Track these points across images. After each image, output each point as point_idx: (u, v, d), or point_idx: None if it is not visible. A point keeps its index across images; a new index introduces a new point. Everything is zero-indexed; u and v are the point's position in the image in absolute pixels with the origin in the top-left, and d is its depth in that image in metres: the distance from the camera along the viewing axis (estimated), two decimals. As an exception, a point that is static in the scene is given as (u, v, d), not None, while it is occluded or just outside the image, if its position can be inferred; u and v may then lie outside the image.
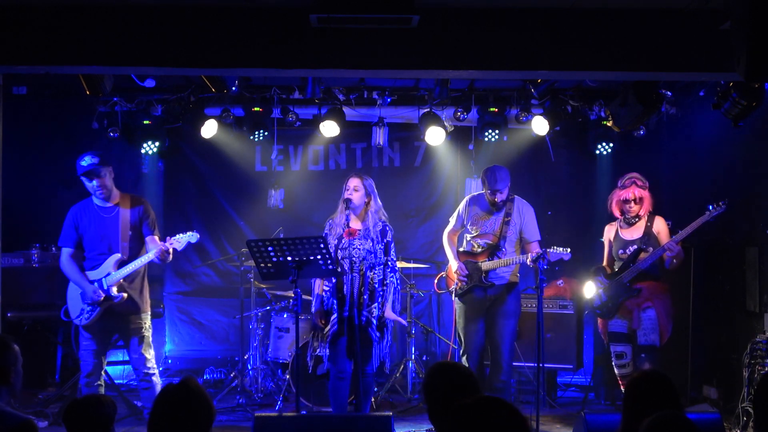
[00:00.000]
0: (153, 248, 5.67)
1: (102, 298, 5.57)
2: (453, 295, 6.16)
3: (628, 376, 6.00)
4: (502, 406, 2.40)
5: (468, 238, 6.14)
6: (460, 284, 6.02)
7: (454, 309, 6.36)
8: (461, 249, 6.20)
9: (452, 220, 6.26)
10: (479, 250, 6.06)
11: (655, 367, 5.91)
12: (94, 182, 5.66)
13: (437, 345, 7.94)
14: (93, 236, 5.71)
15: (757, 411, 3.11)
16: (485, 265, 5.97)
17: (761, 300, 6.14)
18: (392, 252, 5.67)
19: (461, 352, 6.05)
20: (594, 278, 6.24)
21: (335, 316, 5.49)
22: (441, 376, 3.24)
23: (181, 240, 5.73)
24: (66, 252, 5.72)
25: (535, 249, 6.00)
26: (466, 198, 6.29)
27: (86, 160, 5.63)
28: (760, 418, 3.03)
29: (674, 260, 5.95)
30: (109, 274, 5.62)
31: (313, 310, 5.64)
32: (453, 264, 6.10)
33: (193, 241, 5.79)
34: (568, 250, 5.81)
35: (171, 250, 5.65)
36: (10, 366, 3.54)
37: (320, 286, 5.60)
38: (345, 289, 5.48)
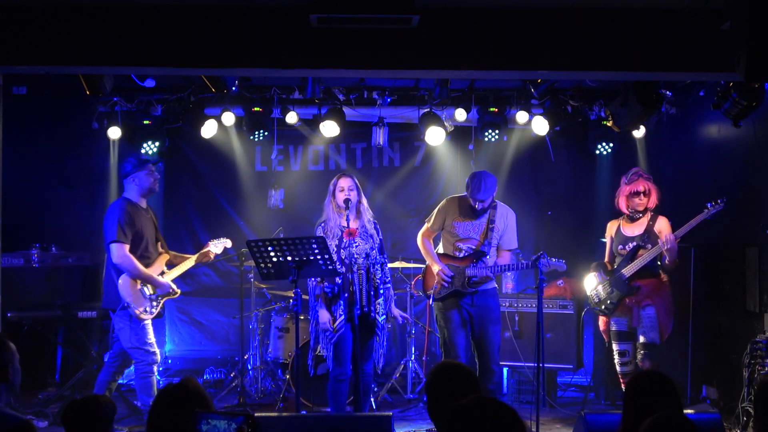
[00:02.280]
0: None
1: (172, 291, 5.84)
2: (430, 299, 5.99)
3: (629, 374, 6.01)
4: (501, 407, 2.42)
5: (451, 241, 5.97)
6: (440, 287, 5.89)
7: (427, 311, 6.24)
8: (441, 252, 6.03)
9: (430, 221, 6.04)
10: (462, 254, 5.91)
11: (655, 364, 5.90)
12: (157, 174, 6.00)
13: (437, 345, 7.93)
14: (146, 235, 5.82)
15: (757, 411, 3.11)
16: (470, 271, 5.85)
17: (761, 300, 6.13)
18: (384, 251, 5.71)
19: (448, 356, 5.88)
20: (594, 274, 6.23)
21: (343, 316, 5.46)
22: (444, 376, 3.26)
23: (217, 244, 6.22)
24: (125, 247, 5.66)
25: (507, 258, 5.94)
26: (446, 200, 6.08)
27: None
28: (761, 418, 3.03)
29: (668, 261, 5.92)
30: (163, 272, 5.85)
31: (318, 307, 5.52)
32: (434, 266, 5.91)
33: (228, 246, 6.31)
34: (562, 261, 5.76)
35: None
36: (7, 363, 3.53)
37: (317, 283, 5.57)
38: (354, 288, 5.45)
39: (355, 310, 5.41)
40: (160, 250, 5.98)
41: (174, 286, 5.89)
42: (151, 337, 5.72)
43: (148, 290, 5.73)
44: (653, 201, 6.09)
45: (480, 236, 5.91)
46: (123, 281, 5.65)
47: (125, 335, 5.70)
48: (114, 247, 5.64)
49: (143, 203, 5.91)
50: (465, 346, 5.89)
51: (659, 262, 6.04)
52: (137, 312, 5.64)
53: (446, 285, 5.86)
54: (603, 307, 6.13)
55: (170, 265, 5.99)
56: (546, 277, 5.76)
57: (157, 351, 5.76)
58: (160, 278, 5.78)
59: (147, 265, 5.77)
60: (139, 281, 5.69)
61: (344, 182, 5.59)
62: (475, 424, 2.38)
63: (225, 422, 2.71)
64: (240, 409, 6.79)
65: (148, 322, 5.72)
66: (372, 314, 5.51)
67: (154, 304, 5.75)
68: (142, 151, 7.78)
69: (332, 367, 5.55)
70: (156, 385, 5.79)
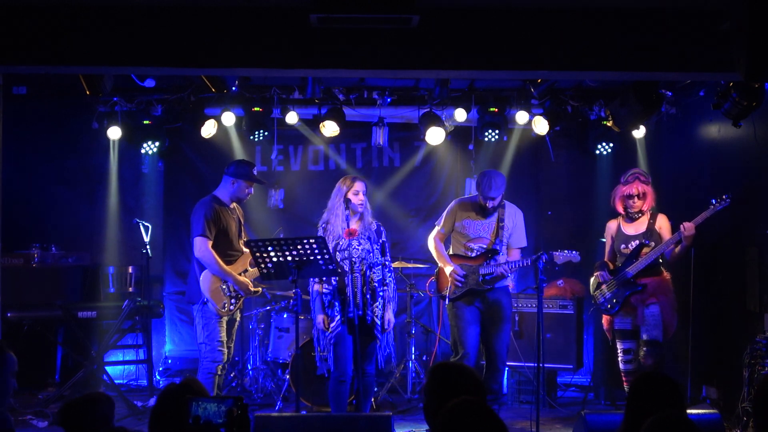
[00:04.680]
0: None
1: (252, 291, 5.78)
2: (446, 299, 5.99)
3: (632, 372, 6.03)
4: (482, 410, 2.46)
5: (462, 242, 6.02)
6: (454, 288, 5.93)
7: (440, 312, 6.22)
8: (451, 252, 6.08)
9: (440, 224, 6.12)
10: (474, 254, 5.97)
11: (657, 362, 5.91)
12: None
13: (437, 345, 7.93)
14: (230, 233, 5.80)
15: (757, 412, 3.11)
16: (484, 269, 5.88)
17: (761, 300, 6.13)
18: (388, 252, 5.71)
19: (459, 355, 5.90)
20: (597, 274, 6.23)
21: (339, 317, 5.48)
22: (443, 376, 3.25)
23: None
24: (208, 243, 5.65)
25: (517, 255, 5.99)
26: (455, 202, 6.17)
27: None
28: (761, 419, 3.03)
29: (676, 249, 5.94)
30: (246, 270, 5.79)
31: (315, 311, 5.58)
32: (447, 267, 5.98)
33: None
34: (576, 252, 5.78)
35: None
36: None
37: (318, 286, 5.59)
38: (348, 290, 5.47)
39: (348, 312, 5.43)
40: (245, 248, 5.89)
41: (252, 285, 5.79)
42: (223, 336, 5.69)
43: (229, 288, 5.70)
44: (648, 203, 6.11)
45: (491, 235, 5.96)
46: (204, 277, 5.65)
47: (198, 329, 5.71)
48: (198, 241, 5.63)
49: (230, 203, 5.88)
50: (474, 344, 5.90)
51: (661, 260, 6.05)
52: (216, 308, 5.63)
53: (459, 285, 5.89)
54: (609, 306, 6.14)
55: (253, 264, 5.86)
56: (546, 276, 5.77)
57: (225, 351, 5.69)
58: (240, 277, 5.72)
59: (230, 263, 5.72)
60: (219, 278, 5.66)
61: (360, 186, 5.60)
62: (457, 427, 2.42)
63: (215, 405, 2.81)
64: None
65: (223, 321, 5.70)
66: (368, 317, 5.50)
67: (234, 301, 5.72)
68: (142, 151, 7.79)
69: (333, 368, 5.57)
70: (218, 386, 5.76)
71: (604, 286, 6.18)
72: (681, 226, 5.86)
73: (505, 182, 5.98)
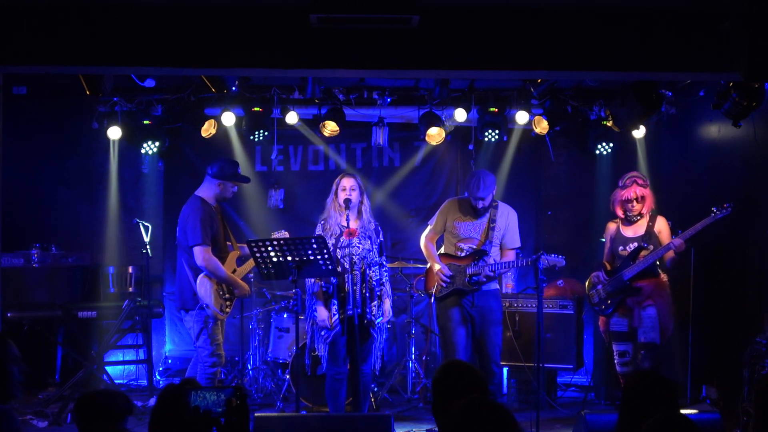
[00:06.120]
0: None
1: (246, 291, 5.78)
2: (431, 298, 5.98)
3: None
4: (499, 409, 2.45)
5: (453, 242, 5.99)
6: (440, 287, 5.90)
7: (427, 311, 6.21)
8: (443, 252, 6.06)
9: (432, 224, 6.10)
10: (463, 254, 5.93)
11: (655, 364, 5.90)
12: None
13: (437, 345, 7.93)
14: (220, 235, 5.76)
15: (757, 412, 3.11)
16: (470, 269, 5.86)
17: (761, 300, 6.14)
18: (384, 252, 5.72)
19: (447, 356, 5.89)
20: (594, 275, 6.23)
21: (336, 317, 5.48)
22: (443, 375, 3.27)
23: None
24: (209, 250, 5.59)
25: (511, 257, 5.95)
26: (447, 201, 6.14)
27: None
28: (761, 419, 3.03)
29: (675, 256, 5.95)
30: (234, 270, 5.77)
31: (315, 303, 5.55)
32: (435, 265, 5.96)
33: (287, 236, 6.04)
34: (561, 257, 5.76)
35: None
36: None
37: (314, 281, 5.59)
38: (347, 288, 5.47)
39: (347, 311, 5.42)
40: (230, 247, 5.87)
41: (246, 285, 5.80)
42: (220, 338, 5.67)
43: (223, 290, 5.66)
44: (648, 206, 6.09)
45: (481, 236, 5.93)
46: (201, 282, 5.57)
47: (195, 334, 5.66)
48: (199, 249, 5.54)
49: (215, 204, 5.83)
50: (464, 345, 5.87)
51: (658, 262, 6.05)
52: (215, 312, 5.59)
53: (445, 285, 5.88)
54: (603, 307, 6.13)
55: (240, 261, 5.87)
56: (546, 276, 5.76)
57: (222, 354, 5.67)
58: (238, 280, 5.70)
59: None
60: (215, 282, 5.60)
61: (346, 182, 5.60)
62: (470, 426, 2.41)
63: (215, 394, 2.81)
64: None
65: (219, 323, 5.67)
66: (367, 316, 5.49)
67: (228, 303, 5.71)
68: (142, 151, 7.79)
69: (328, 366, 5.57)
70: None
71: (599, 287, 6.17)
72: (671, 242, 5.85)
73: (495, 182, 5.94)
